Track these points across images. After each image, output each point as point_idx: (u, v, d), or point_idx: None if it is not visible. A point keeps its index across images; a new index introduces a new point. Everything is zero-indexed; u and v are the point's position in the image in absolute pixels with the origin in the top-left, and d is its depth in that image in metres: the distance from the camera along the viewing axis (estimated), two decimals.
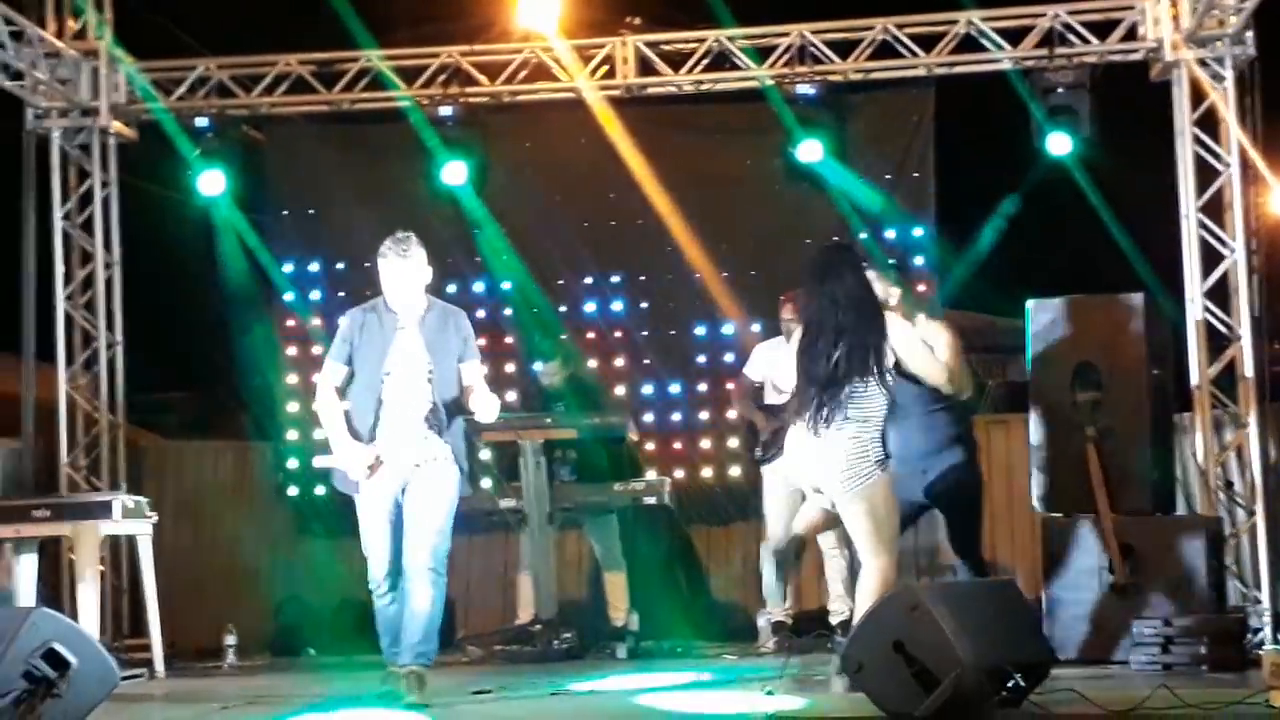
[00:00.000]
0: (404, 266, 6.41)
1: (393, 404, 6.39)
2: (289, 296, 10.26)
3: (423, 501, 6.29)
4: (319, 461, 6.67)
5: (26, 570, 8.07)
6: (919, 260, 9.96)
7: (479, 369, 6.58)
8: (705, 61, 9.74)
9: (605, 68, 9.77)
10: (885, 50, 9.60)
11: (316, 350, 9.70)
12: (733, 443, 10.09)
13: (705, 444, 10.11)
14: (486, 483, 9.03)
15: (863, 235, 9.91)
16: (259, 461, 10.34)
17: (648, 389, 10.22)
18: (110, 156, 9.95)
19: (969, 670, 5.42)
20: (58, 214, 9.79)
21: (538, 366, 9.43)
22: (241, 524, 10.19)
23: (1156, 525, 7.64)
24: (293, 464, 10.15)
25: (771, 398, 8.91)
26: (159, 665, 8.18)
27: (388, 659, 6.45)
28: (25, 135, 9.71)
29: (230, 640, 8.79)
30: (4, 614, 6.23)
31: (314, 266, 10.41)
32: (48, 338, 9.73)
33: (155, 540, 8.35)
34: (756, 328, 9.64)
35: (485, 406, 6.37)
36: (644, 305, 10.32)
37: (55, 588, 8.71)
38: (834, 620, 8.57)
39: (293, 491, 10.23)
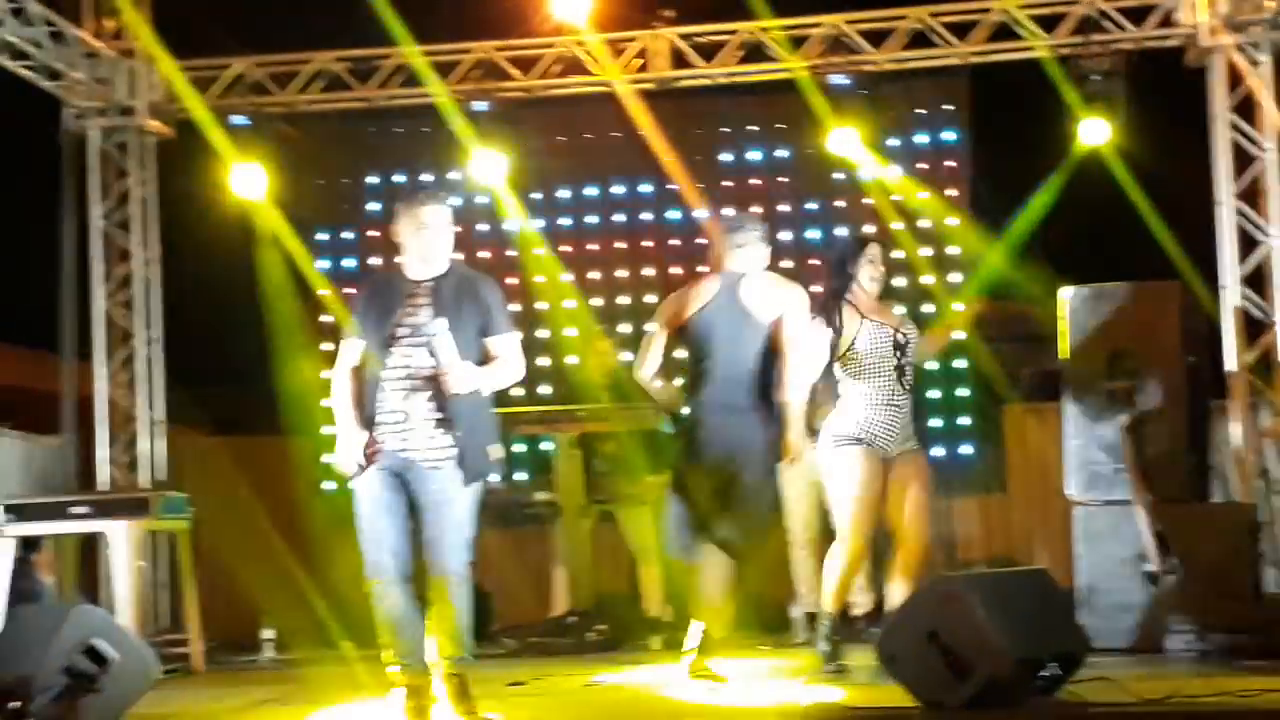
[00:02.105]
0: (427, 217, 5.73)
1: (393, 385, 5.70)
2: (324, 292, 10.31)
3: (433, 513, 5.68)
4: (327, 458, 6.12)
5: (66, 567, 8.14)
6: (952, 249, 9.96)
7: (511, 342, 5.81)
8: (739, 53, 9.73)
9: (638, 61, 9.78)
10: (919, 39, 9.57)
11: None
12: None
13: None
14: (521, 475, 9.07)
15: (898, 225, 9.91)
16: (296, 457, 10.39)
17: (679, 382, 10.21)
18: (148, 155, 10.02)
19: (1004, 659, 5.42)
20: (96, 212, 9.87)
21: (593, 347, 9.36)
22: (279, 519, 10.24)
23: (1193, 513, 7.61)
24: (329, 458, 10.18)
25: None
26: (198, 660, 8.24)
27: (398, 665, 5.79)
28: (63, 135, 9.79)
29: (268, 634, 8.85)
30: (45, 610, 6.31)
31: (348, 263, 10.48)
32: (86, 335, 9.81)
33: (193, 536, 8.42)
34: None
35: (466, 374, 5.59)
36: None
37: (94, 584, 8.78)
38: (857, 612, 8.55)
39: (329, 486, 10.30)
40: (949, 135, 10.15)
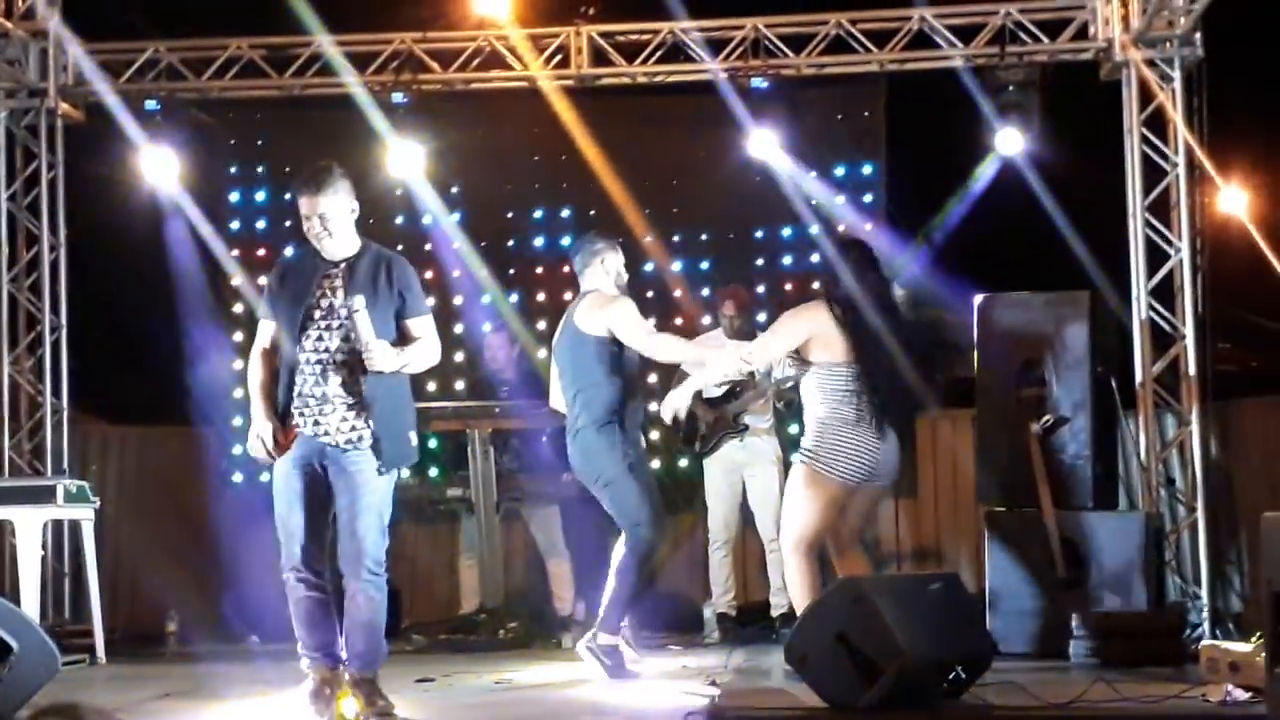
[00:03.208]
0: (317, 201, 5.65)
1: (308, 368, 5.64)
2: (235, 279, 10.20)
3: (349, 497, 5.62)
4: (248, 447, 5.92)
5: None
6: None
7: (428, 322, 5.78)
8: (659, 53, 9.74)
9: (559, 57, 9.75)
10: (838, 45, 9.63)
11: None
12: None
13: (653, 435, 10.12)
14: (433, 471, 9.02)
15: (813, 229, 9.98)
16: (204, 447, 10.27)
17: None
18: (57, 138, 9.84)
19: (911, 661, 5.47)
20: (3, 195, 9.69)
21: (487, 340, 9.40)
22: (185, 510, 10.12)
23: (1098, 520, 7.72)
24: (238, 450, 10.10)
25: (712, 391, 8.95)
26: (100, 651, 8.13)
27: (308, 658, 5.80)
28: None
29: (172, 626, 8.74)
30: None
31: (261, 252, 10.37)
32: None
33: (98, 525, 8.30)
34: (706, 319, 9.67)
35: (385, 353, 5.54)
36: None
37: None
38: (775, 612, 8.63)
39: (237, 478, 10.21)
40: (866, 169, 10.25)
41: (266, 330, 5.82)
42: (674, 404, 6.92)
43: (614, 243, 7.29)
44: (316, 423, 5.67)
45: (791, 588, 6.64)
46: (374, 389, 5.63)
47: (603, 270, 7.16)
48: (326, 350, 5.66)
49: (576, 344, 7.02)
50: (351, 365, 5.64)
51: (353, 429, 5.65)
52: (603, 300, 7.06)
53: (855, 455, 6.44)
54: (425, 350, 5.79)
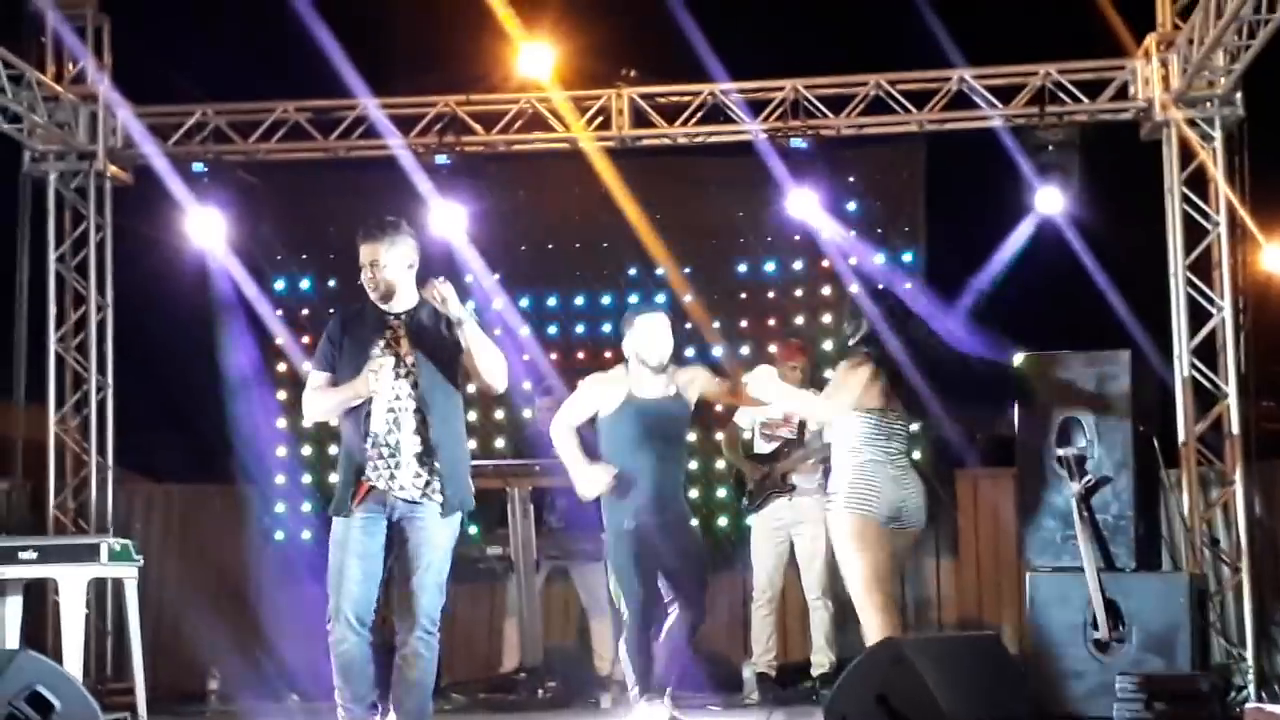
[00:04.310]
0: (379, 250, 5.74)
1: (377, 420, 5.72)
2: (279, 339, 10.29)
3: (413, 553, 5.68)
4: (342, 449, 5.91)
5: (11, 612, 8.04)
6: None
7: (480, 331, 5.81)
8: (699, 114, 9.82)
9: (600, 119, 9.84)
10: (877, 106, 9.68)
11: None
12: (720, 492, 10.12)
13: (693, 493, 10.12)
14: (473, 529, 9.04)
15: (853, 288, 9.99)
16: (246, 505, 10.34)
17: None
18: (106, 200, 9.99)
19: None
20: (52, 256, 9.83)
21: (538, 402, 9.44)
22: (228, 567, 10.18)
23: (1141, 581, 7.66)
24: (280, 508, 10.17)
25: (760, 446, 8.96)
26: (142, 709, 8.14)
27: (345, 709, 5.78)
28: (22, 178, 9.78)
29: (214, 685, 8.77)
30: None
31: (305, 311, 10.47)
32: (39, 379, 9.75)
33: (141, 583, 8.35)
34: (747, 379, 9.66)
35: (490, 364, 5.68)
36: None
37: (40, 630, 8.68)
38: (816, 672, 8.59)
39: (279, 536, 10.26)
40: (907, 256, 10.27)
41: (319, 380, 5.88)
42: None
43: (637, 313, 7.07)
44: (392, 476, 5.74)
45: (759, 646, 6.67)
46: (440, 435, 5.72)
47: (628, 345, 7.06)
48: (398, 398, 5.73)
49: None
50: (420, 413, 5.71)
51: (425, 482, 5.73)
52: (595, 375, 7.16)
53: (879, 492, 6.46)
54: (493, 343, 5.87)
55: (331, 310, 10.08)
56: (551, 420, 7.42)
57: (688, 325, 10.19)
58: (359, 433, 5.76)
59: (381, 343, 5.77)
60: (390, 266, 5.79)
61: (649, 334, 6.94)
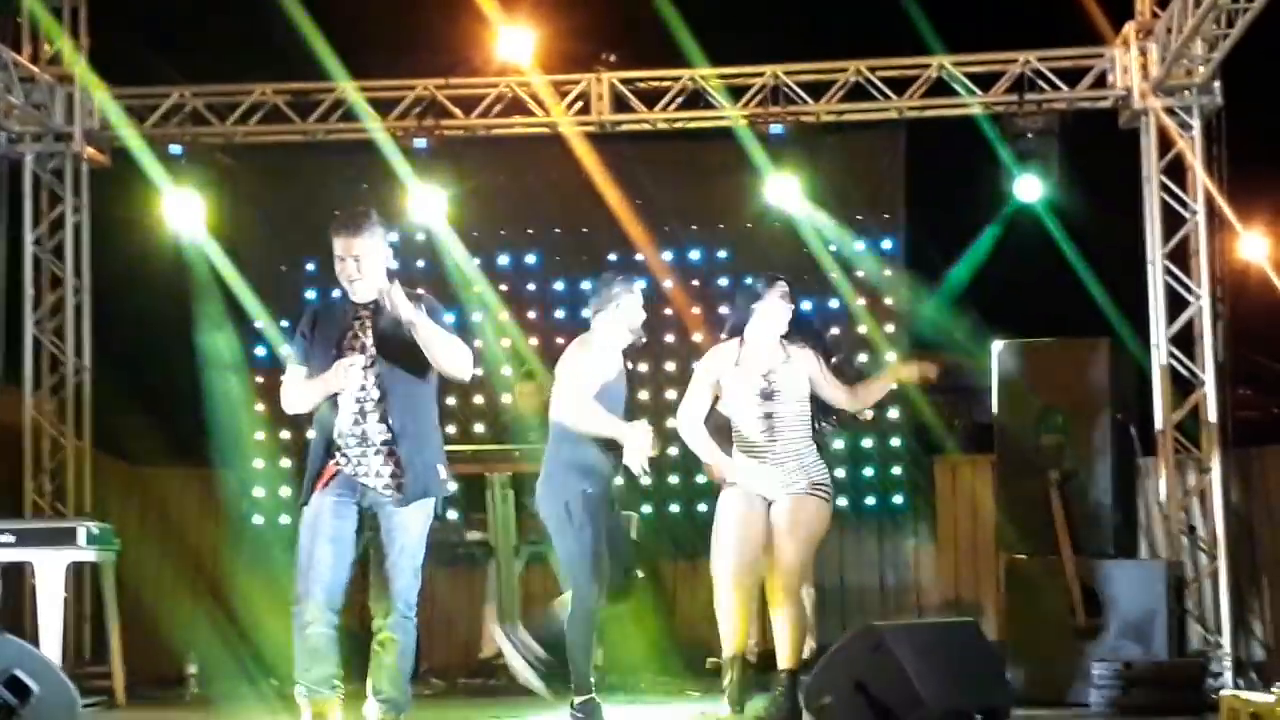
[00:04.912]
0: (352, 243, 5.75)
1: (344, 409, 5.74)
2: (257, 322, 10.24)
3: (385, 539, 5.71)
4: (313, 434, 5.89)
5: None
6: (887, 300, 10.08)
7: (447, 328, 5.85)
8: (679, 100, 9.81)
9: (580, 104, 9.82)
10: (857, 92, 9.69)
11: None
12: (700, 478, 10.12)
13: (673, 479, 10.13)
14: (453, 514, 9.03)
15: (833, 274, 10.02)
16: (224, 489, 10.31)
17: None
18: (83, 182, 9.94)
19: (930, 711, 5.46)
20: (28, 238, 9.78)
21: (516, 388, 9.41)
22: (206, 552, 10.15)
23: (1119, 568, 7.70)
24: (258, 492, 10.14)
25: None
26: (120, 693, 8.14)
27: (307, 689, 5.72)
28: None
29: (192, 669, 8.75)
30: None
31: (282, 295, 10.42)
32: (15, 362, 9.70)
33: (119, 567, 8.32)
34: None
35: (449, 360, 5.67)
36: None
37: (18, 614, 8.65)
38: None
39: (258, 520, 10.23)
40: (886, 243, 10.26)
41: (296, 374, 5.89)
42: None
43: (631, 285, 6.94)
44: (359, 464, 5.76)
45: (798, 626, 6.59)
46: (405, 424, 5.73)
47: (618, 315, 6.93)
48: (363, 388, 5.74)
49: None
50: (386, 404, 5.73)
51: (392, 471, 5.74)
52: (577, 345, 6.87)
53: None
54: (452, 339, 5.83)
55: (308, 294, 10.23)
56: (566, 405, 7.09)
57: (667, 311, 10.19)
58: (326, 422, 5.79)
59: (350, 333, 5.79)
60: (363, 258, 5.80)
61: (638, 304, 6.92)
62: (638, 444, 6.52)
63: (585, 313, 7.04)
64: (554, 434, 6.71)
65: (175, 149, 9.82)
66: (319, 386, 5.78)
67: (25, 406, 9.68)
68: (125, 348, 10.23)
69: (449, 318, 9.93)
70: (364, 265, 5.79)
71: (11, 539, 7.76)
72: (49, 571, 7.71)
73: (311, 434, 5.92)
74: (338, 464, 5.76)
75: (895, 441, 10.09)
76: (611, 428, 6.57)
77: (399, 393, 5.74)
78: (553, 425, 6.73)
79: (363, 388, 5.75)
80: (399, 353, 5.73)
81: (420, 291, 5.92)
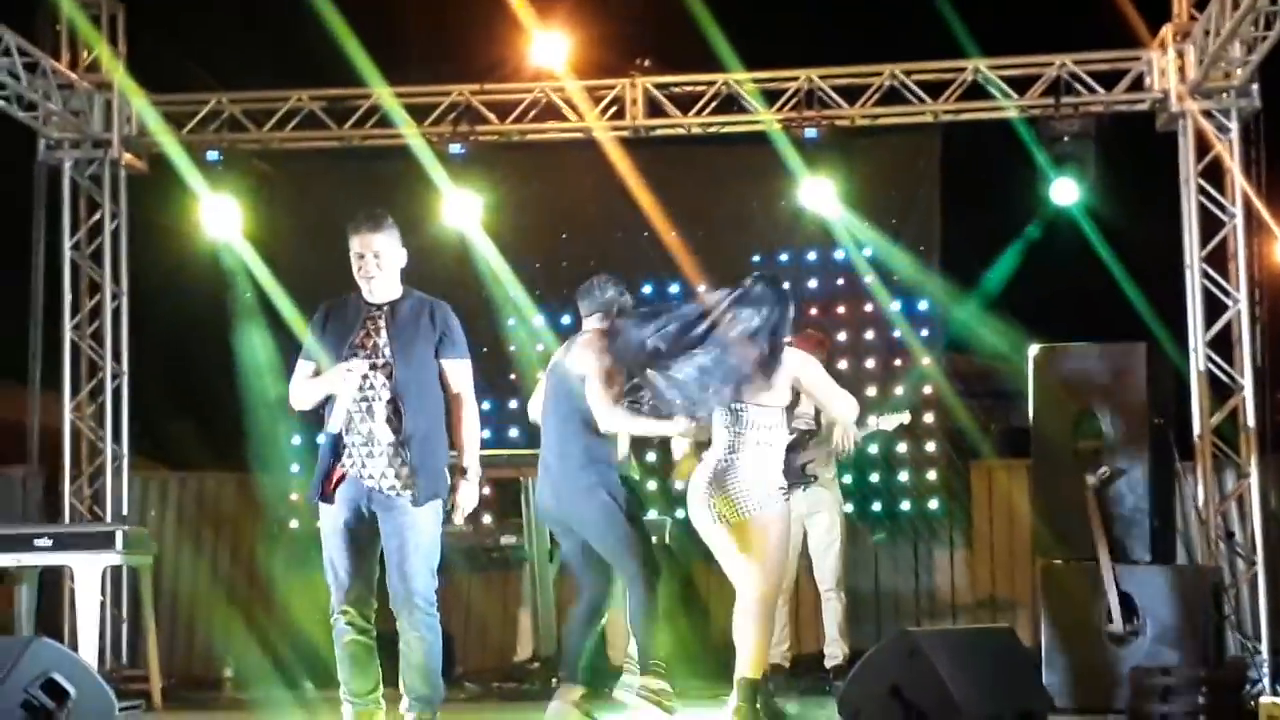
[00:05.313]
0: (371, 239, 5.79)
1: (354, 406, 5.75)
2: (295, 327, 10.27)
3: (397, 539, 5.72)
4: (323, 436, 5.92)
5: (26, 600, 8.07)
6: (923, 304, 10.06)
7: (466, 369, 5.88)
8: (714, 104, 9.81)
9: (614, 108, 9.84)
10: (892, 96, 9.67)
11: None
12: None
13: None
14: (487, 518, 9.04)
15: (868, 278, 9.99)
16: (261, 494, 10.35)
17: None
18: (121, 188, 10.02)
19: (966, 717, 5.44)
20: (67, 244, 9.86)
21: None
22: (243, 556, 10.20)
23: (1156, 574, 7.64)
24: (295, 497, 10.18)
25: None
26: (157, 697, 8.18)
27: (349, 702, 5.83)
28: (37, 166, 9.80)
29: (229, 673, 8.79)
30: (3, 643, 6.25)
31: (319, 299, 10.44)
32: (55, 366, 9.77)
33: (156, 570, 8.37)
34: None
35: (466, 495, 5.80)
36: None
37: (56, 617, 8.72)
38: (829, 664, 8.58)
39: (294, 524, 10.27)
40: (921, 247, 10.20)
41: (304, 371, 5.94)
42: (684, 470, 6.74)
43: (622, 289, 6.99)
44: (364, 465, 5.77)
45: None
46: (414, 425, 5.75)
47: (591, 316, 6.93)
48: (372, 387, 5.77)
49: (566, 382, 6.78)
50: (395, 403, 5.75)
51: (396, 473, 5.76)
52: (589, 349, 6.74)
53: None
54: (473, 420, 5.93)
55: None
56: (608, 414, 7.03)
57: None
58: (334, 421, 5.81)
59: (362, 333, 5.82)
60: (382, 255, 5.85)
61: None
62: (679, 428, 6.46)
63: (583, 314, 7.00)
64: (573, 433, 6.69)
65: (213, 155, 9.88)
66: (320, 385, 5.84)
67: (64, 411, 9.74)
68: (163, 352, 10.30)
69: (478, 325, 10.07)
70: (383, 262, 5.84)
71: (49, 543, 7.81)
72: (86, 575, 7.76)
73: (321, 437, 5.95)
74: (344, 466, 5.78)
75: (931, 446, 10.05)
76: (647, 424, 6.55)
77: (411, 394, 5.77)
78: (573, 422, 6.70)
79: (372, 386, 5.77)
80: (412, 355, 5.77)
81: (441, 304, 5.93)
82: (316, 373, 5.89)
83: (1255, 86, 9.00)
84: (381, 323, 5.82)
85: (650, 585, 6.69)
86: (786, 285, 6.31)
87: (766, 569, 6.07)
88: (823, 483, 8.70)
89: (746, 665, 6.10)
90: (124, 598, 9.52)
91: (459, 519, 5.91)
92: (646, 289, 10.28)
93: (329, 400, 5.85)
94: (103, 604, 8.12)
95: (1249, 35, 8.49)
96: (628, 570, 6.67)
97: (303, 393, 5.94)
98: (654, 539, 8.31)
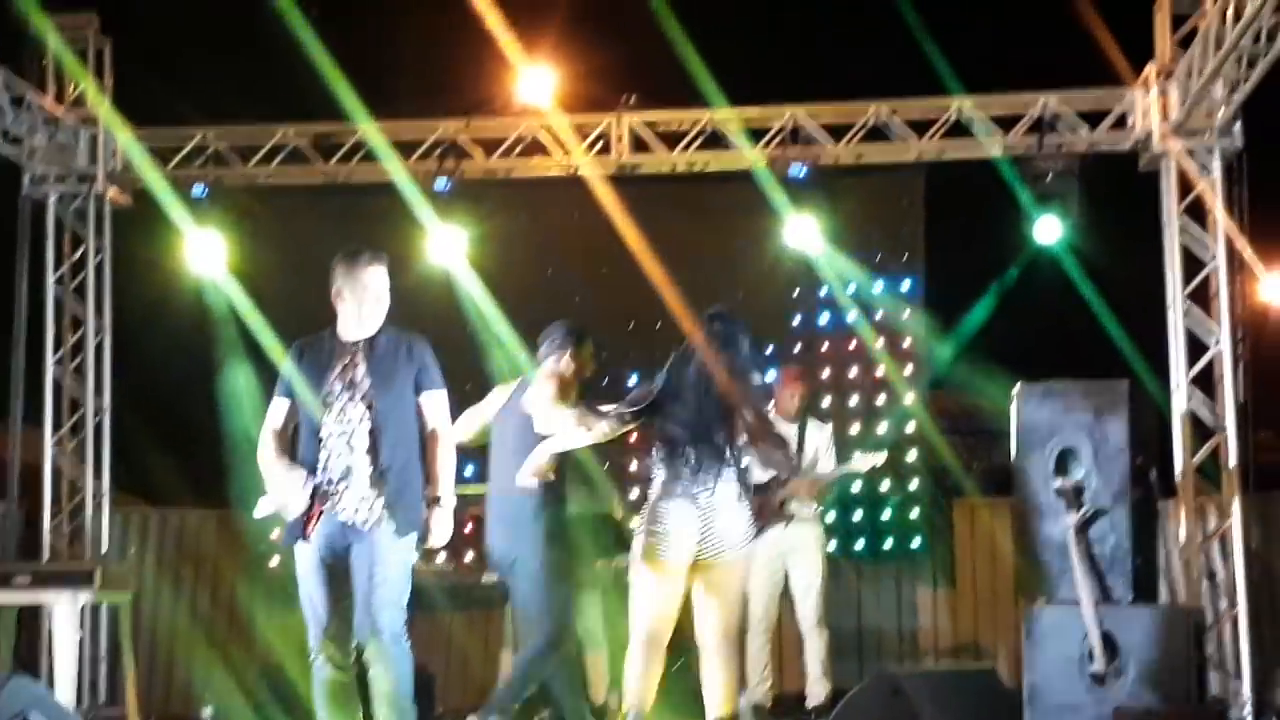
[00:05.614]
0: (370, 279, 5.84)
1: (332, 441, 5.76)
2: (279, 364, 10.25)
3: (366, 572, 5.69)
4: (257, 511, 5.98)
5: (4, 637, 8.03)
6: (906, 342, 10.07)
7: (443, 401, 5.91)
8: (699, 141, 9.83)
9: (600, 144, 9.85)
10: (877, 133, 9.69)
11: None
12: None
13: None
14: (469, 556, 9.02)
15: (852, 315, 10.01)
16: (242, 530, 10.31)
17: (634, 465, 10.22)
18: (105, 222, 10.00)
19: None
20: (50, 278, 9.83)
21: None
22: (223, 593, 10.15)
23: (1138, 614, 7.62)
24: (275, 534, 10.13)
25: (757, 475, 8.92)
26: None
27: None
28: (21, 200, 9.78)
29: (208, 712, 8.74)
30: None
31: (303, 336, 10.43)
32: (36, 401, 9.74)
33: (135, 608, 8.33)
34: None
35: (440, 525, 5.79)
36: (632, 381, 10.34)
37: (34, 655, 8.66)
38: (811, 703, 8.55)
39: (274, 562, 10.22)
40: (905, 284, 10.25)
41: (279, 409, 5.92)
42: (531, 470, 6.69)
43: (582, 335, 7.09)
44: (340, 500, 5.76)
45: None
46: (392, 459, 5.77)
47: (569, 361, 7.02)
48: (350, 420, 5.77)
49: (524, 426, 6.82)
50: (374, 436, 5.75)
51: (373, 505, 5.76)
52: (542, 390, 6.82)
53: None
54: (450, 454, 5.92)
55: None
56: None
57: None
58: (311, 456, 5.80)
59: (339, 369, 5.82)
60: (383, 291, 5.91)
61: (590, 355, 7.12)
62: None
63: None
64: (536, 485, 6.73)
65: (198, 190, 9.87)
66: (274, 480, 5.81)
67: (45, 447, 9.71)
68: (146, 388, 10.27)
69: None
70: (383, 297, 5.89)
71: (28, 580, 7.77)
72: (64, 614, 7.72)
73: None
74: (320, 505, 5.77)
75: (914, 484, 10.06)
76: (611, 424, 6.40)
77: (390, 428, 5.78)
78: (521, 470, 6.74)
79: (350, 420, 5.77)
80: (392, 389, 5.79)
81: (417, 338, 5.94)
82: (293, 411, 5.87)
83: (1238, 126, 9.03)
84: (360, 357, 5.83)
85: (552, 651, 6.79)
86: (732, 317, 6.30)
87: (730, 607, 6.02)
88: (804, 520, 8.69)
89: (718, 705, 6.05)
90: (103, 635, 9.46)
91: (435, 543, 5.88)
92: (631, 324, 10.30)
93: (300, 436, 5.83)
94: (81, 641, 8.06)
95: (1231, 76, 8.53)
96: (542, 628, 6.77)
97: (260, 457, 5.91)
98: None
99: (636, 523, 6.08)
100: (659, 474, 6.03)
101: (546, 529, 6.75)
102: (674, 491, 5.97)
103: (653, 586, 5.93)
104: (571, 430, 6.25)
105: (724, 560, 5.98)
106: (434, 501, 5.84)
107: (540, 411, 6.54)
